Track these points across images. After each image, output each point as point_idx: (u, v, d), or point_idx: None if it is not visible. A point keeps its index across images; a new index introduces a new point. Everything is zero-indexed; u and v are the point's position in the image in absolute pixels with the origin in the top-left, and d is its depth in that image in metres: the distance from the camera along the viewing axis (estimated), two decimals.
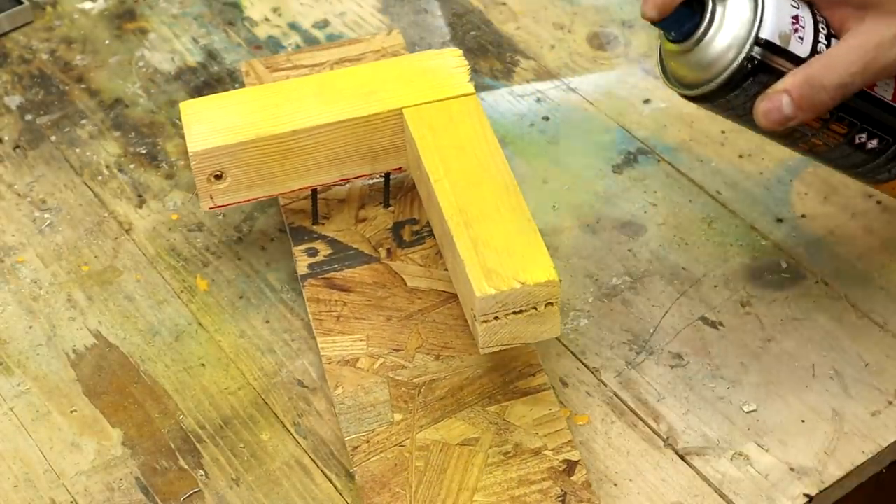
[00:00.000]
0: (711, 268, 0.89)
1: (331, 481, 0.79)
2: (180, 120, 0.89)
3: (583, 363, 0.84)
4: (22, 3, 1.09)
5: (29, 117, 1.02)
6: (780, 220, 0.91)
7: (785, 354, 0.84)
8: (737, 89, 0.74)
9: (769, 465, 0.79)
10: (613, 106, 1.00)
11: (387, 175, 0.90)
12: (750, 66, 0.73)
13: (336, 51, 1.00)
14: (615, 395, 0.83)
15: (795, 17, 0.73)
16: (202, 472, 0.80)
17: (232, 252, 0.92)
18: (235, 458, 0.81)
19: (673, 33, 0.74)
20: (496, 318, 0.76)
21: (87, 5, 1.11)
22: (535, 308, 0.77)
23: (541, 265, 0.77)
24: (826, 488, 0.78)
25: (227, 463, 0.80)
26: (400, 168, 0.89)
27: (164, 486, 0.79)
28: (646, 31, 1.05)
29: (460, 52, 0.90)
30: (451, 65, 0.89)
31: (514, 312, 0.76)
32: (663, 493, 0.78)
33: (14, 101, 1.03)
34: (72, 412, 0.83)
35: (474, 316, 0.77)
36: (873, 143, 0.78)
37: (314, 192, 0.89)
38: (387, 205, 0.91)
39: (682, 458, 0.79)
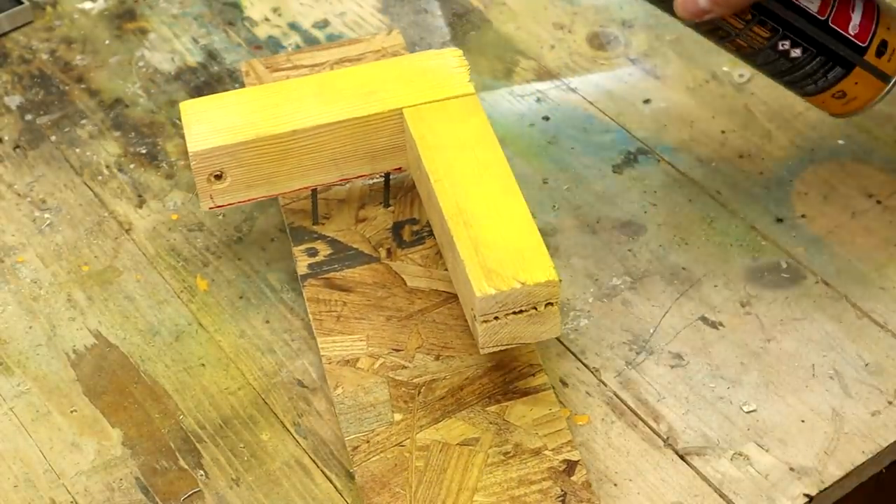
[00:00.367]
0: (711, 268, 0.89)
1: (331, 481, 0.79)
2: (180, 120, 0.89)
3: (583, 363, 0.84)
4: (22, 3, 1.09)
5: (29, 117, 1.02)
6: (780, 220, 0.91)
7: (785, 354, 0.84)
8: None
9: (769, 465, 0.79)
10: (613, 106, 1.00)
11: (387, 175, 0.90)
12: None
13: (336, 51, 1.00)
14: (615, 395, 0.83)
15: None
16: (202, 472, 0.80)
17: (232, 252, 0.92)
18: (235, 458, 0.81)
19: None
20: (496, 318, 0.76)
21: (87, 5, 1.11)
22: (535, 308, 0.77)
23: (541, 265, 0.77)
24: (826, 488, 0.78)
25: (227, 463, 0.80)
26: (400, 168, 0.89)
27: (164, 486, 0.80)
28: (646, 31, 1.05)
29: (460, 52, 0.90)
30: (451, 65, 0.89)
31: (514, 312, 0.76)
32: (663, 493, 0.78)
33: (14, 101, 1.03)
34: (72, 412, 0.83)
35: (474, 316, 0.77)
36: (797, 52, 0.80)
37: (314, 192, 0.89)
38: (387, 205, 0.91)
39: (682, 458, 0.79)
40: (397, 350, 0.83)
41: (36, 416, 0.83)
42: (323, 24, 1.08)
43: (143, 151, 0.99)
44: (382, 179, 0.91)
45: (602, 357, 0.84)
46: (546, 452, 0.78)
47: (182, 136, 0.99)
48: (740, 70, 1.01)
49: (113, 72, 1.05)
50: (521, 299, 0.76)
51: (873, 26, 0.81)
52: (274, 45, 1.06)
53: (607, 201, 0.93)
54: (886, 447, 0.79)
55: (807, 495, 0.77)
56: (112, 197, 0.96)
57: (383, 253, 0.88)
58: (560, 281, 0.76)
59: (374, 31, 1.06)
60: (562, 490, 0.76)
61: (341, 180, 0.89)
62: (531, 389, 0.81)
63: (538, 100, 1.01)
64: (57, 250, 0.93)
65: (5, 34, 1.08)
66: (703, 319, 0.86)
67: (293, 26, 1.08)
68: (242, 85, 1.02)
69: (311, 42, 1.06)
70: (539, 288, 0.76)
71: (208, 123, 0.86)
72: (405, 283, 0.87)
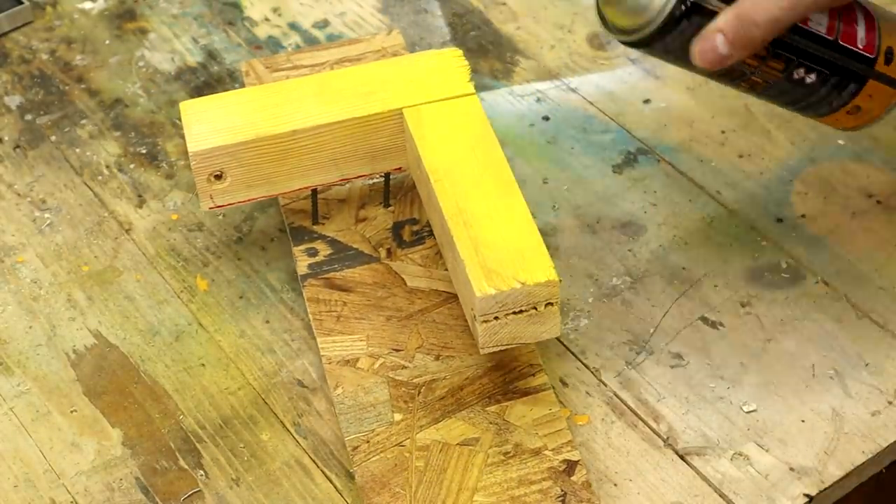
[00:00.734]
0: (711, 268, 0.89)
1: (331, 481, 0.79)
2: (180, 120, 0.89)
3: (583, 363, 0.84)
4: (22, 3, 1.09)
5: (29, 117, 1.02)
6: (780, 220, 0.91)
7: (785, 354, 0.84)
8: (673, 32, 0.75)
9: (769, 465, 0.79)
10: (613, 106, 1.00)
11: (387, 175, 0.90)
12: (683, 8, 0.74)
13: (336, 51, 1.00)
14: (615, 395, 0.83)
15: None
16: (202, 472, 0.80)
17: (232, 252, 0.92)
18: (235, 458, 0.81)
19: None
20: (496, 318, 0.76)
21: (87, 5, 1.11)
22: (535, 308, 0.77)
23: (541, 265, 0.77)
24: (826, 488, 0.78)
25: (227, 463, 0.80)
26: (400, 168, 0.89)
27: (164, 486, 0.79)
28: None
29: (460, 52, 0.90)
30: (451, 65, 0.89)
31: (514, 312, 0.76)
32: (663, 493, 0.78)
33: (14, 101, 1.03)
34: (72, 412, 0.83)
35: (474, 316, 0.77)
36: (812, 78, 0.79)
37: (314, 192, 0.89)
38: (387, 205, 0.91)
39: (681, 458, 0.79)
40: (397, 350, 0.83)
41: (36, 416, 0.83)
42: (323, 24, 1.08)
43: (143, 151, 0.99)
44: (382, 179, 0.91)
45: (602, 357, 0.84)
46: (546, 452, 0.78)
47: (182, 136, 0.99)
48: None
49: (113, 72, 1.05)
50: (521, 299, 0.76)
51: (877, 36, 0.80)
52: (274, 45, 1.06)
53: (607, 201, 0.93)
54: (886, 447, 0.79)
55: (807, 495, 0.77)
56: (112, 197, 0.96)
57: (383, 253, 0.88)
58: (560, 281, 0.76)
59: (374, 31, 1.06)
60: (562, 490, 0.76)
61: (341, 180, 0.89)
62: (531, 389, 0.81)
63: (538, 100, 1.01)
64: (57, 250, 0.93)
65: (5, 34, 1.08)
66: (703, 319, 0.86)
67: (293, 26, 1.08)
68: (242, 85, 1.02)
69: (311, 42, 1.06)
70: (539, 288, 0.76)
71: (208, 123, 0.86)
72: (405, 283, 0.87)
